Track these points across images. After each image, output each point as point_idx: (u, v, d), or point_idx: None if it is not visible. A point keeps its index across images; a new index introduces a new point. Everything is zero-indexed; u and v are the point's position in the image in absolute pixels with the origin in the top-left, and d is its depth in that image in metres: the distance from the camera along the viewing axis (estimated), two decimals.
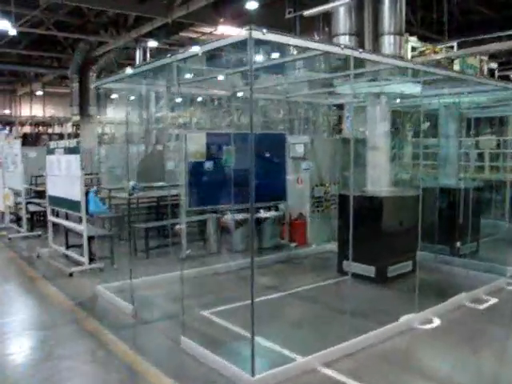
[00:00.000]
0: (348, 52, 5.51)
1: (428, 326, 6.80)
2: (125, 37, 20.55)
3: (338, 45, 5.47)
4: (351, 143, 6.79)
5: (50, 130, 29.87)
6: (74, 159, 9.08)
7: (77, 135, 22.97)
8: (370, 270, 8.66)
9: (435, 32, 21.01)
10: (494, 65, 16.98)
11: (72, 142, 9.27)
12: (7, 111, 28.83)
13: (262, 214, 11.04)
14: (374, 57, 6.10)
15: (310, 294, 8.25)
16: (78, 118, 22.64)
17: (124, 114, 22.71)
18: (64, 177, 9.58)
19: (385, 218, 8.52)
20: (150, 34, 20.36)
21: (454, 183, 10.17)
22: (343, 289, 8.58)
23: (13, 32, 18.45)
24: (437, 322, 6.94)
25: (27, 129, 28.02)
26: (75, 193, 9.15)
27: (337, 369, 5.53)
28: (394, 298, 7.97)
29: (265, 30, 4.82)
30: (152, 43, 20.98)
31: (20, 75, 28.20)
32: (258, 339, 6.26)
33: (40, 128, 29.31)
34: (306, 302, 7.93)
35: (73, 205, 9.35)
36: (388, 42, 12.22)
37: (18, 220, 13.70)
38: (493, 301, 7.76)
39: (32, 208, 13.54)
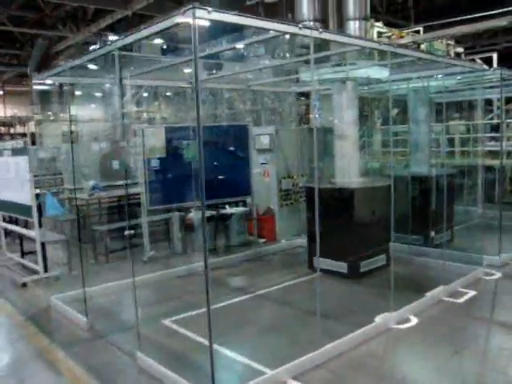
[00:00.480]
0: (307, 32, 4.90)
1: (405, 326, 6.28)
2: (84, 31, 19.64)
3: (296, 24, 4.82)
4: (315, 133, 6.11)
5: (12, 130, 28.67)
6: (22, 161, 8.30)
7: (40, 135, 21.92)
8: (341, 266, 8.11)
9: (401, 18, 20.59)
10: (460, 49, 16.60)
11: (19, 143, 8.48)
12: None
13: (228, 210, 10.39)
14: (335, 37, 5.49)
15: (279, 294, 7.66)
16: (40, 116, 21.61)
17: (89, 110, 21.79)
18: (13, 180, 8.78)
19: (354, 211, 7.97)
20: (111, 28, 19.47)
21: (425, 170, 9.66)
22: (314, 288, 7.97)
23: None
24: (414, 320, 6.43)
25: None
26: (25, 196, 8.37)
27: (308, 382, 4.96)
28: (368, 295, 7.42)
29: (210, 9, 4.17)
30: (112, 37, 20.07)
31: None
32: (223, 350, 5.69)
33: (1, 128, 28.08)
34: (275, 304, 7.33)
35: (23, 209, 8.57)
36: (353, 28, 11.70)
37: None
38: (471, 293, 7.29)
39: None
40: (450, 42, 16.98)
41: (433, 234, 9.47)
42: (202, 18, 4.12)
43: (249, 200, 10.66)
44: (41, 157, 13.70)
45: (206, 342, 5.76)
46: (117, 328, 6.57)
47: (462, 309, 6.78)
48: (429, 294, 7.08)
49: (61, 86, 21.31)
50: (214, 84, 10.04)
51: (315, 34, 4.98)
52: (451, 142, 15.28)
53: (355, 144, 8.29)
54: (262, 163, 10.65)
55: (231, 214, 10.27)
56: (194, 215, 10.14)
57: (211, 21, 4.25)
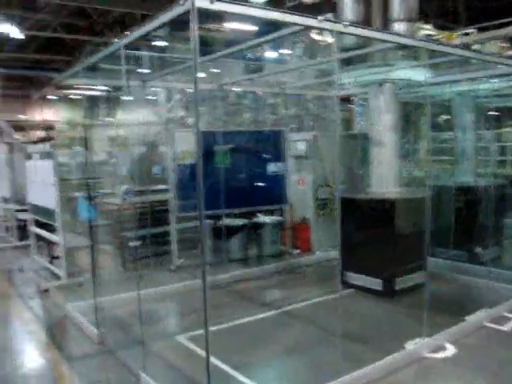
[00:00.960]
0: (327, 25, 4.30)
1: (439, 355, 5.55)
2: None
3: (314, 17, 4.23)
4: (359, 139, 5.49)
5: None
6: (48, 165, 8.03)
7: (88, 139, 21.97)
8: (375, 283, 7.42)
9: (451, 21, 19.53)
10: None
11: (45, 147, 8.23)
12: (22, 116, 28.06)
13: (261, 218, 9.84)
14: (362, 31, 4.82)
15: (307, 312, 7.05)
16: (88, 121, 21.67)
17: (137, 115, 21.68)
18: (40, 183, 8.55)
19: (389, 223, 7.25)
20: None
21: (471, 180, 8.81)
22: (345, 306, 7.32)
23: (20, 36, 17.74)
24: (450, 348, 5.69)
25: (41, 134, 27.21)
26: (49, 200, 8.10)
27: None
28: (401, 316, 6.70)
29: None
30: (159, 42, 19.96)
31: (33, 80, 27.42)
32: (236, 375, 5.15)
33: (53, 132, 28.51)
34: (300, 323, 6.72)
35: (48, 213, 8.30)
36: (398, 29, 10.96)
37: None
38: None
39: (22, 216, 12.58)
40: (503, 44, 15.88)
41: (478, 249, 8.63)
42: (203, 7, 3.60)
43: (285, 209, 10.08)
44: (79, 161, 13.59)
45: (222, 365, 5.30)
46: (129, 342, 6.12)
47: (506, 337, 5.99)
48: (469, 318, 6.32)
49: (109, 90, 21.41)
50: (247, 87, 9.49)
51: (339, 27, 4.37)
52: (503, 150, 14.20)
53: (393, 151, 7.58)
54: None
55: (264, 223, 9.71)
56: (226, 223, 9.68)
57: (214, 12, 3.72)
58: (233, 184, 9.40)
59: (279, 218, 9.86)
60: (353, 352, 5.51)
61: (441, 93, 9.04)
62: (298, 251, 9.91)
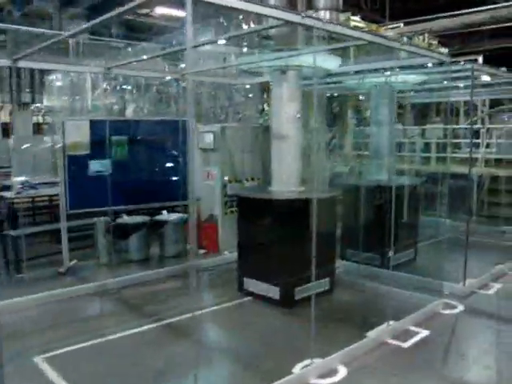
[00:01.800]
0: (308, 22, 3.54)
1: (326, 381, 4.71)
2: None
3: (297, 12, 3.62)
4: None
5: None
6: None
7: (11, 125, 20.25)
8: (273, 291, 6.54)
9: (386, 17, 18.96)
10: (444, 50, 14.95)
11: None
12: None
13: (164, 215, 8.83)
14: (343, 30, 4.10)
15: (193, 324, 6.00)
16: (10, 106, 19.95)
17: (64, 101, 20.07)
18: None
19: (287, 226, 6.37)
20: None
21: (386, 178, 8.07)
22: (237, 318, 6.47)
23: None
24: (342, 371, 4.89)
25: None
26: None
27: None
28: (297, 331, 5.84)
29: None
30: None
31: None
32: None
33: None
34: (182, 339, 5.76)
35: None
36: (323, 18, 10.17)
37: None
38: (422, 334, 5.73)
39: None
40: (432, 41, 15.39)
41: (390, 253, 7.90)
42: None
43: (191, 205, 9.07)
44: None
45: None
46: None
47: (405, 356, 5.24)
48: (370, 334, 5.54)
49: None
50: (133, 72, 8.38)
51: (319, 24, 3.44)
52: (428, 146, 13.68)
53: (296, 146, 6.71)
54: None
55: (166, 221, 8.69)
56: (125, 220, 8.61)
57: None
58: (130, 178, 8.37)
59: (183, 215, 8.85)
60: (231, 377, 4.62)
61: (357, 84, 8.24)
62: (203, 252, 8.95)
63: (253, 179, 9.35)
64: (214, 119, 12.38)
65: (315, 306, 6.45)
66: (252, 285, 6.83)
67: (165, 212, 8.90)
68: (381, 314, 6.01)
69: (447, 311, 6.35)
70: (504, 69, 7.24)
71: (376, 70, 7.46)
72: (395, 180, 8.13)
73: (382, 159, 8.08)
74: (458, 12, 11.61)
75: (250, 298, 6.84)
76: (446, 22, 11.21)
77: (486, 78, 9.99)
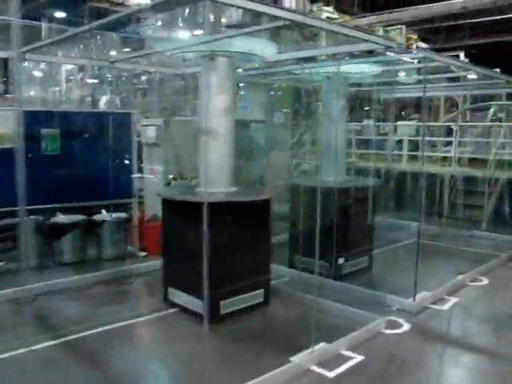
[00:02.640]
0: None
1: None
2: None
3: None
4: None
5: None
6: None
7: None
8: (197, 304, 5.67)
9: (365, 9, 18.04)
10: (423, 45, 14.02)
11: None
12: None
13: (103, 215, 7.96)
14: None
15: (97, 341, 5.25)
16: None
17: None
18: None
19: (214, 232, 5.49)
20: None
21: (336, 180, 7.20)
22: (150, 335, 5.63)
23: None
24: None
25: None
26: None
27: None
28: (214, 355, 4.94)
29: None
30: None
31: None
32: None
33: None
34: (77, 360, 4.88)
35: None
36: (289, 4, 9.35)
37: None
38: (355, 359, 4.88)
39: None
40: (411, 35, 14.46)
41: (340, 260, 7.06)
42: None
43: (133, 204, 8.25)
44: None
45: None
46: None
47: None
48: (294, 359, 4.68)
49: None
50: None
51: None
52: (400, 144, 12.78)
53: (227, 142, 5.83)
54: None
55: (103, 221, 7.83)
56: (57, 219, 7.75)
57: None
58: (63, 174, 7.50)
59: (123, 214, 7.99)
60: None
61: (308, 75, 7.34)
62: (144, 254, 8.10)
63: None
64: (176, 113, 11.47)
65: (243, 322, 5.66)
66: (176, 296, 5.99)
67: (104, 211, 8.02)
68: (314, 334, 5.16)
69: (390, 331, 5.49)
70: (464, 59, 6.36)
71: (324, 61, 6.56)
72: (346, 181, 7.28)
73: (333, 158, 7.19)
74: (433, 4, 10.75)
75: (174, 310, 5.99)
76: (418, 12, 10.30)
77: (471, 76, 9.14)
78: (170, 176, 8.12)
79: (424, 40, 16.42)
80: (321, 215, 7.02)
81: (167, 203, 5.99)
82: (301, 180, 7.51)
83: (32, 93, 16.93)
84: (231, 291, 5.65)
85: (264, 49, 5.69)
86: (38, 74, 16.45)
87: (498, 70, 8.86)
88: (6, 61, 18.78)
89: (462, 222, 10.27)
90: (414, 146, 12.07)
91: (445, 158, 11.50)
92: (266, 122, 9.63)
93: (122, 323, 5.61)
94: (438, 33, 18.94)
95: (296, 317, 5.87)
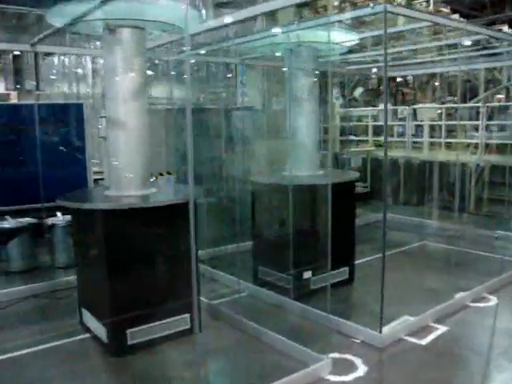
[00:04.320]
0: None
1: None
2: None
3: None
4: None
5: None
6: None
7: None
8: (102, 332, 4.49)
9: None
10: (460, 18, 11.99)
11: None
12: None
13: (58, 217, 6.93)
14: None
15: None
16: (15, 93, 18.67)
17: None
18: None
19: (121, 246, 4.28)
20: None
21: (306, 176, 5.75)
22: (52, 366, 4.46)
23: None
24: None
25: None
26: None
27: None
28: None
29: None
30: None
31: None
32: None
33: None
34: None
35: None
36: None
37: None
38: None
39: None
40: (443, 9, 12.50)
41: (307, 274, 5.61)
42: None
43: None
44: None
45: None
46: None
47: None
48: None
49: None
50: None
51: None
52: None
53: (140, 136, 4.55)
54: None
55: (54, 225, 6.80)
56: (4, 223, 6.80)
57: None
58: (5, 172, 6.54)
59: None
60: None
61: (270, 48, 5.88)
62: None
63: (169, 173, 7.26)
64: None
65: (157, 355, 4.41)
66: (88, 319, 4.82)
67: (60, 213, 6.99)
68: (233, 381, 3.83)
69: (335, 378, 4.02)
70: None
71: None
72: (318, 177, 5.78)
73: (302, 149, 5.73)
74: None
75: (87, 335, 4.83)
76: None
77: None
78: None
79: (468, 16, 14.26)
80: (285, 218, 5.67)
81: (72, 211, 4.80)
82: (262, 176, 6.08)
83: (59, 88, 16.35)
84: (142, 317, 4.40)
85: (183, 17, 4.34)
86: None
87: None
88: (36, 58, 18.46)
89: (488, 220, 8.40)
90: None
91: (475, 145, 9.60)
92: (253, 109, 8.27)
93: (22, 352, 4.52)
94: (485, 8, 16.70)
95: (225, 351, 4.53)
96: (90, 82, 16.65)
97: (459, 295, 5.46)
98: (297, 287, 5.53)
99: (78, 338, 4.77)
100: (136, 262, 4.32)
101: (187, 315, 4.67)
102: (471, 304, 5.36)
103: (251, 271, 6.13)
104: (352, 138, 11.10)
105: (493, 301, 5.45)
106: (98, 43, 6.73)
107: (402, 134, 10.68)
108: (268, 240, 5.86)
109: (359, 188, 10.53)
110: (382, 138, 11.37)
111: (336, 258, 5.85)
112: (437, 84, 12.68)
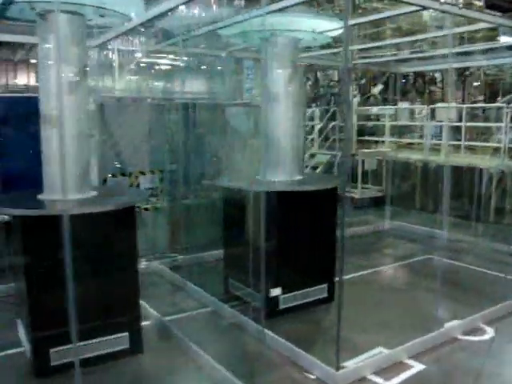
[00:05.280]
0: None
1: None
2: None
3: None
4: None
5: None
6: None
7: None
8: (28, 348, 4.01)
9: None
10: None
11: None
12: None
13: None
14: None
15: None
16: None
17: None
18: None
19: (32, 256, 3.78)
20: None
21: (282, 182, 5.05)
22: None
23: None
24: None
25: None
26: None
27: None
28: None
29: None
30: None
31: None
32: None
33: None
34: None
35: None
36: None
37: None
38: None
39: None
40: (476, 2, 11.30)
41: (275, 291, 4.93)
42: None
43: None
44: None
45: None
46: None
47: None
48: None
49: None
50: None
51: None
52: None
53: (76, 135, 4.00)
54: None
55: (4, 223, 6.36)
56: None
57: None
58: None
59: None
60: None
61: (243, 37, 5.18)
62: None
63: (152, 172, 6.72)
64: None
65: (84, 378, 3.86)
66: (21, 332, 4.35)
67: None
68: None
69: None
70: None
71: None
72: (296, 183, 5.07)
73: (278, 151, 5.03)
74: None
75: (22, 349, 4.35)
76: None
77: None
78: (109, 175, 6.48)
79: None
80: (256, 227, 5.01)
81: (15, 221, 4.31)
82: (231, 180, 5.41)
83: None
84: (70, 335, 3.86)
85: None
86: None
87: None
88: None
89: (507, 233, 7.37)
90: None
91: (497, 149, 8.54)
92: (251, 104, 7.60)
93: None
94: None
95: (158, 378, 3.93)
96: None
97: (450, 324, 4.63)
98: (264, 305, 4.86)
99: (13, 351, 4.32)
100: (61, 274, 3.78)
101: (126, 334, 4.11)
102: (461, 337, 4.51)
103: (222, 283, 5.51)
104: (368, 138, 10.26)
105: (488, 334, 4.58)
106: None
107: (435, 136, 9.67)
108: (236, 250, 5.22)
109: (373, 192, 9.70)
110: (403, 140, 10.48)
111: (313, 273, 5.20)
112: (467, 82, 11.57)
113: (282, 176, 5.04)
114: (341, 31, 4.89)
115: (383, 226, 8.26)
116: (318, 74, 13.09)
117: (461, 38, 7.70)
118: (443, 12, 5.22)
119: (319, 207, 5.03)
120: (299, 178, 5.17)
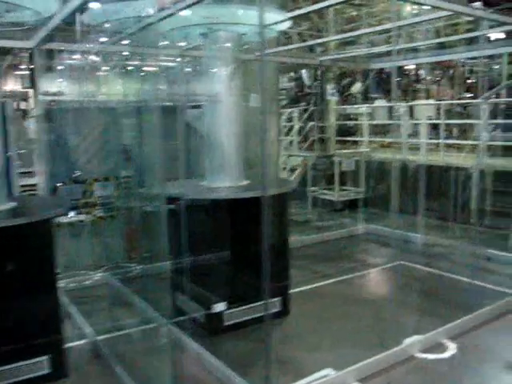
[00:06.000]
0: None
1: None
2: None
3: None
4: None
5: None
6: None
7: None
8: None
9: None
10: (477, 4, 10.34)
11: None
12: None
13: None
14: None
15: None
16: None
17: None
18: None
19: None
20: None
21: (224, 188, 4.62)
22: None
23: None
24: None
25: None
26: None
27: None
28: None
29: None
30: None
31: None
32: None
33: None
34: None
35: None
36: None
37: None
38: None
39: None
40: None
41: (219, 306, 4.50)
42: None
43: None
44: None
45: None
46: None
47: None
48: None
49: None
50: None
51: None
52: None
53: None
54: None
55: None
56: None
57: None
58: None
59: None
60: None
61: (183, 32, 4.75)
62: None
63: (107, 179, 6.30)
64: None
65: None
66: None
67: None
68: None
69: None
70: None
71: None
72: (240, 189, 4.64)
73: (221, 155, 4.60)
74: None
75: None
76: None
77: None
78: (59, 184, 6.07)
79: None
80: (199, 237, 4.60)
81: None
82: (175, 187, 4.97)
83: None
84: None
85: None
86: None
87: None
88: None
89: (486, 235, 6.87)
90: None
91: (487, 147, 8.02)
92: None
93: None
94: None
95: None
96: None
97: (409, 340, 4.17)
98: (207, 322, 4.44)
99: None
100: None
101: (45, 357, 3.69)
102: (418, 355, 4.04)
103: (171, 297, 5.08)
104: (349, 138, 9.81)
105: (450, 350, 4.10)
106: None
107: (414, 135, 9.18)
108: (181, 261, 4.79)
109: (352, 194, 9.25)
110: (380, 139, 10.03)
111: (263, 286, 4.74)
112: (454, 79, 11.09)
113: (227, 182, 4.61)
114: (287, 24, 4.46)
115: (357, 229, 7.81)
116: (303, 72, 12.62)
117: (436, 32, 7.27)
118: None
119: (267, 214, 4.59)
120: (246, 183, 4.74)
